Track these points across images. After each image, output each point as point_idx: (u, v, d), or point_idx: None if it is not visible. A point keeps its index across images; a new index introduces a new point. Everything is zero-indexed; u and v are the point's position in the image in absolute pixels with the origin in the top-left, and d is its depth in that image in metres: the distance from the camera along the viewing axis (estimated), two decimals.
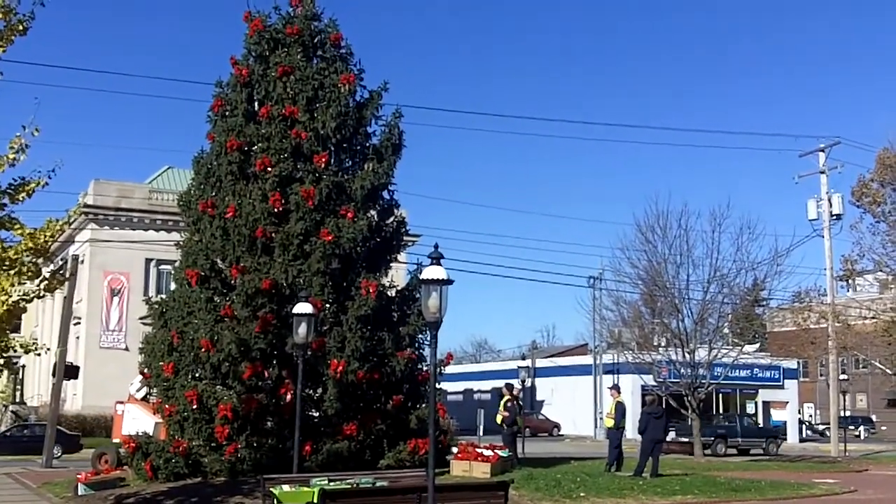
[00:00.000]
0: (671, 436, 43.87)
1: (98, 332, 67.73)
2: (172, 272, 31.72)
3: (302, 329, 23.46)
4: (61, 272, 34.18)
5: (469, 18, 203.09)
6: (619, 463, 31.80)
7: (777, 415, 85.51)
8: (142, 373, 30.23)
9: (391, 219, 30.79)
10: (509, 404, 32.77)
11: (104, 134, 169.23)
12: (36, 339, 19.92)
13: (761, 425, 70.22)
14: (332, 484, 20.07)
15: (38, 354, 21.24)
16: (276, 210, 27.72)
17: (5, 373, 22.05)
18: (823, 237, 50.99)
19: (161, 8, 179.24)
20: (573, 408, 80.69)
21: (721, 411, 79.16)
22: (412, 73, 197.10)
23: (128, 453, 27.34)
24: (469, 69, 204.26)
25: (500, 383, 79.64)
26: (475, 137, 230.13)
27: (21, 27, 18.23)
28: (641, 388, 48.34)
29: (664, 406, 33.69)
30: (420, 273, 19.66)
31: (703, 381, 45.58)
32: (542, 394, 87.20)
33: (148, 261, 69.17)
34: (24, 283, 18.89)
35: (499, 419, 32.85)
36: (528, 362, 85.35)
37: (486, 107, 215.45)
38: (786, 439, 70.64)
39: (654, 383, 49.92)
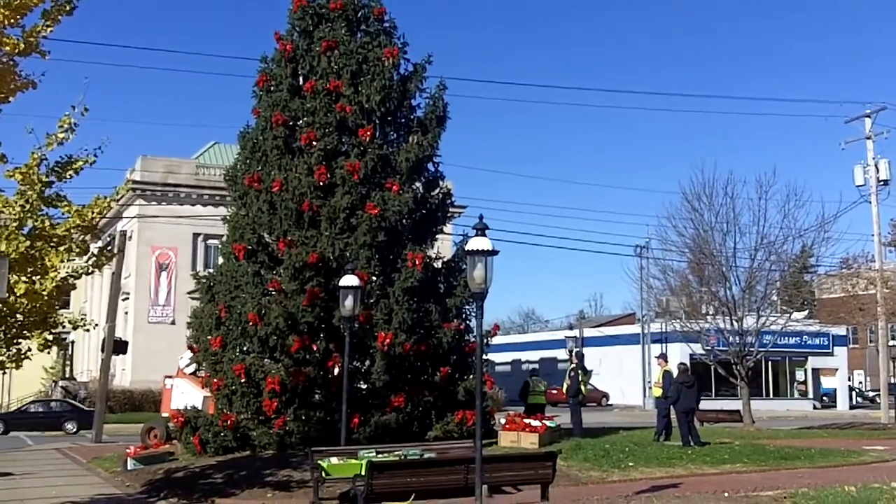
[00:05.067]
0: None
1: (146, 307, 68.12)
2: (220, 247, 31.84)
3: (349, 302, 23.57)
4: (109, 248, 34.39)
5: None
6: (667, 432, 31.74)
7: (827, 382, 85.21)
8: (190, 347, 30.39)
9: (436, 191, 30.77)
10: (572, 373, 32.89)
11: (151, 111, 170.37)
12: (85, 315, 20.12)
13: None
14: (379, 456, 20.19)
15: (87, 330, 21.37)
16: (321, 184, 27.81)
17: (55, 349, 22.17)
18: (871, 203, 50.48)
19: None
20: (621, 377, 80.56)
21: (770, 379, 79.09)
22: (458, 42, 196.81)
23: (177, 427, 27.65)
24: (514, 38, 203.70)
25: (548, 354, 79.63)
26: (521, 107, 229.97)
27: (68, 7, 18.24)
28: (689, 357, 48.02)
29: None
30: (465, 244, 19.63)
31: (752, 349, 45.21)
32: (590, 364, 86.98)
33: (195, 235, 69.35)
34: (73, 260, 19.01)
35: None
36: (575, 332, 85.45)
37: (531, 77, 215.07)
38: None
39: (703, 352, 49.72)
